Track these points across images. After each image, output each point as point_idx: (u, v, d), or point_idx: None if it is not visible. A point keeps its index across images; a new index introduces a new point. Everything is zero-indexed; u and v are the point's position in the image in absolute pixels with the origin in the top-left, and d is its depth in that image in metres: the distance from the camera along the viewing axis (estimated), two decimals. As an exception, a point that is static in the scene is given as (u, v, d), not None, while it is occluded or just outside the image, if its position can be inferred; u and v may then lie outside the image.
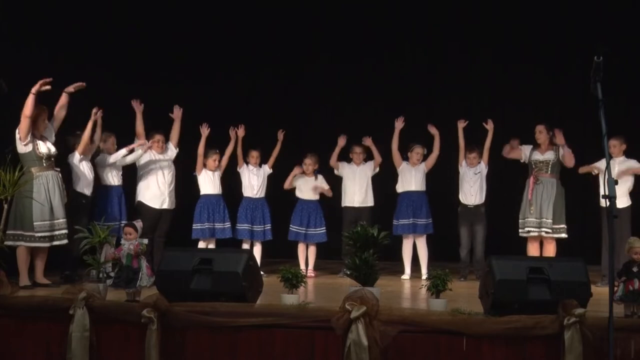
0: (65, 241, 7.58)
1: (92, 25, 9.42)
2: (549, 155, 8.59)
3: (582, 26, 9.90)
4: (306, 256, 9.35)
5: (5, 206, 6.97)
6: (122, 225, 7.13)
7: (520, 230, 8.62)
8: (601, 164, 8.20)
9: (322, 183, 9.39)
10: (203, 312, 5.71)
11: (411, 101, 10.54)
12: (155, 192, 8.68)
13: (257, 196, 9.19)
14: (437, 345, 5.52)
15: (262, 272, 8.62)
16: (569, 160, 8.56)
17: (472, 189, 9.01)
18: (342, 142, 9.31)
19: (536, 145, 8.68)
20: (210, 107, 10.12)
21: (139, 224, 6.54)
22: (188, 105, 9.03)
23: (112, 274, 6.24)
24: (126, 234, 6.34)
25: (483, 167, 9.04)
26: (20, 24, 8.50)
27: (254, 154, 9.25)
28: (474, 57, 10.61)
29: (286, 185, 9.36)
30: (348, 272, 6.45)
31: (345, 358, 5.42)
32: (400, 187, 9.21)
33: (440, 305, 5.90)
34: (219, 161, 9.08)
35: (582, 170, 8.57)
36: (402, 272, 9.04)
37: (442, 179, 9.31)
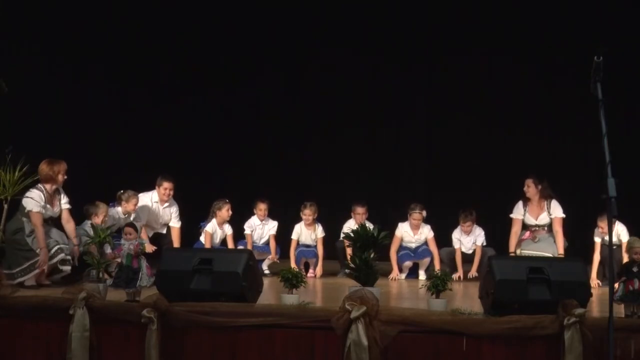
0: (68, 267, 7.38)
1: (92, 26, 9.44)
2: (544, 219, 8.50)
3: (582, 26, 9.90)
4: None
5: (5, 206, 6.97)
6: (123, 226, 7.13)
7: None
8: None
9: (321, 234, 8.99)
10: (203, 312, 5.71)
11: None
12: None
13: (260, 244, 8.96)
14: (437, 345, 5.53)
15: (268, 272, 8.67)
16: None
17: (468, 250, 8.80)
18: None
19: (526, 200, 8.51)
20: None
21: (139, 224, 6.54)
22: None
23: (112, 274, 6.25)
24: (126, 234, 6.33)
25: (480, 233, 8.78)
26: (21, 24, 8.51)
27: (262, 207, 8.85)
28: (472, 59, 10.62)
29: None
30: (347, 272, 6.45)
31: (345, 358, 5.42)
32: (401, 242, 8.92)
33: (440, 305, 5.90)
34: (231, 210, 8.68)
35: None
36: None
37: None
